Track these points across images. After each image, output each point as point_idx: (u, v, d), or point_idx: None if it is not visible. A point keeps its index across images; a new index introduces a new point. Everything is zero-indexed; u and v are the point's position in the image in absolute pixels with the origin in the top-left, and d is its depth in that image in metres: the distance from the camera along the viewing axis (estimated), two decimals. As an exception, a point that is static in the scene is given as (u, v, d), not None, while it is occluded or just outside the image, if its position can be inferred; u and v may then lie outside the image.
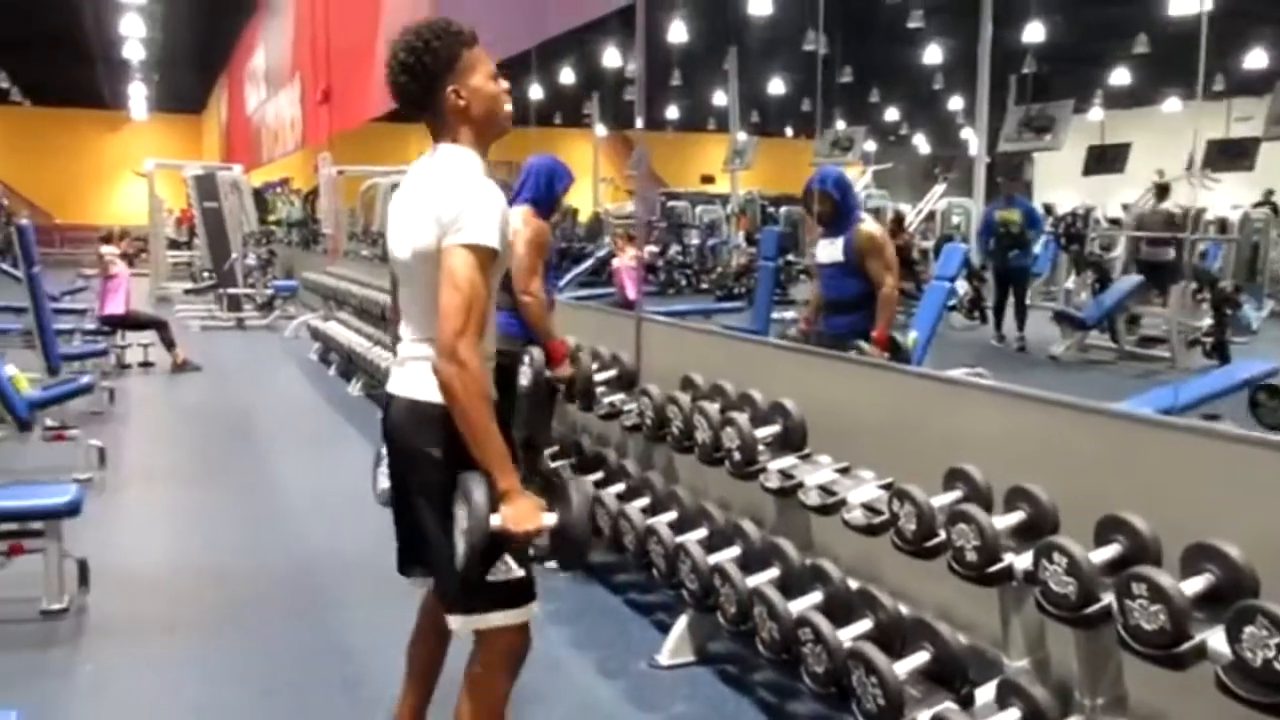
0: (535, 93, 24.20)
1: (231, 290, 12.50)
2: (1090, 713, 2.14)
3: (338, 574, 4.04)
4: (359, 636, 3.41)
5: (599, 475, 3.93)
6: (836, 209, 4.44)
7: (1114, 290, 10.80)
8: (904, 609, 2.56)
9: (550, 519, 2.00)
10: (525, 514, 1.95)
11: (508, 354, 3.87)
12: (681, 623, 3.18)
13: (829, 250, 4.51)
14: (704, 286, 16.06)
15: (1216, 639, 1.81)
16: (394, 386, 2.16)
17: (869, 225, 4.46)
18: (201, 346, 9.80)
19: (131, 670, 3.17)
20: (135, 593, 3.81)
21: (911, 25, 18.04)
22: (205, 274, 13.75)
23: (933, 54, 19.96)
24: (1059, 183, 22.41)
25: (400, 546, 2.27)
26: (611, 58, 20.18)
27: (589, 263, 14.44)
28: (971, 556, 2.29)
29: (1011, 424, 2.73)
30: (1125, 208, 15.55)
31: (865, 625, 2.52)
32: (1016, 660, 2.36)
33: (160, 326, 8.75)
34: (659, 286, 15.81)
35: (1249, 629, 1.71)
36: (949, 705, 2.23)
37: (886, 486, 2.75)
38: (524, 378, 3.82)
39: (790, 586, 2.83)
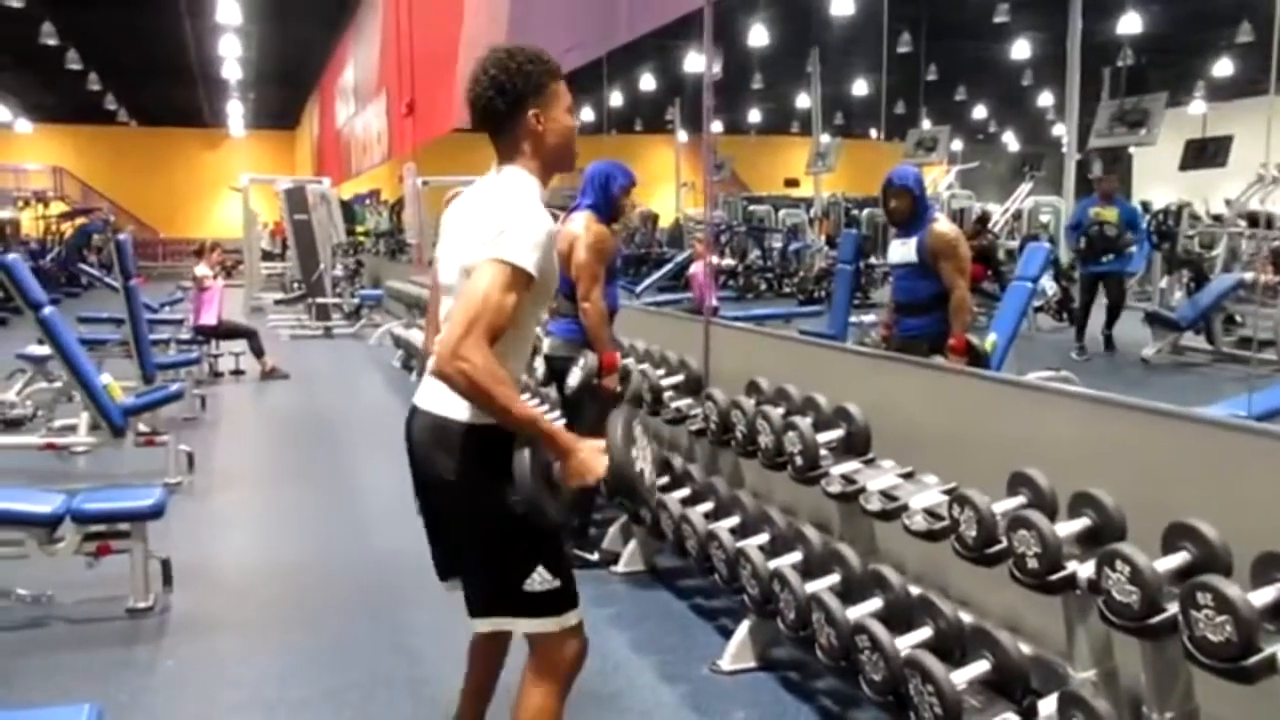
0: (614, 99, 24.45)
1: (320, 300, 12.85)
2: (1159, 726, 2.05)
3: (410, 575, 4.09)
4: (427, 639, 3.46)
5: (665, 480, 3.92)
6: (913, 207, 4.37)
7: (1210, 290, 10.38)
8: (966, 617, 2.50)
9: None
10: (588, 464, 2.00)
11: (564, 358, 3.92)
12: (743, 628, 3.15)
13: (902, 250, 4.44)
14: (786, 291, 15.92)
15: (1287, 652, 1.72)
16: (420, 399, 2.14)
17: (943, 225, 4.38)
18: (289, 355, 10.10)
19: (209, 667, 3.28)
20: (216, 592, 3.94)
21: (999, 20, 17.60)
22: (295, 284, 14.17)
23: (1021, 49, 19.48)
24: (1158, 179, 21.59)
25: (433, 555, 2.32)
26: (693, 62, 20.15)
27: (668, 267, 14.44)
28: (1033, 564, 2.22)
29: (1078, 427, 2.64)
30: (1228, 203, 14.93)
31: (925, 633, 2.47)
32: (1082, 671, 2.27)
33: (250, 336, 9.04)
34: (738, 291, 15.74)
35: None
36: (1009, 716, 2.17)
37: (949, 492, 2.68)
38: (573, 378, 3.83)
39: (851, 593, 2.79)
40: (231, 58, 19.40)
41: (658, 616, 3.59)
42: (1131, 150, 25.91)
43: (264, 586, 4.09)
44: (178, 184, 30.64)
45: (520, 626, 2.08)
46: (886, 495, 2.84)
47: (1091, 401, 2.69)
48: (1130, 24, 17.73)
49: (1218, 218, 15.42)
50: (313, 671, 3.25)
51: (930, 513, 2.68)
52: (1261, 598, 1.83)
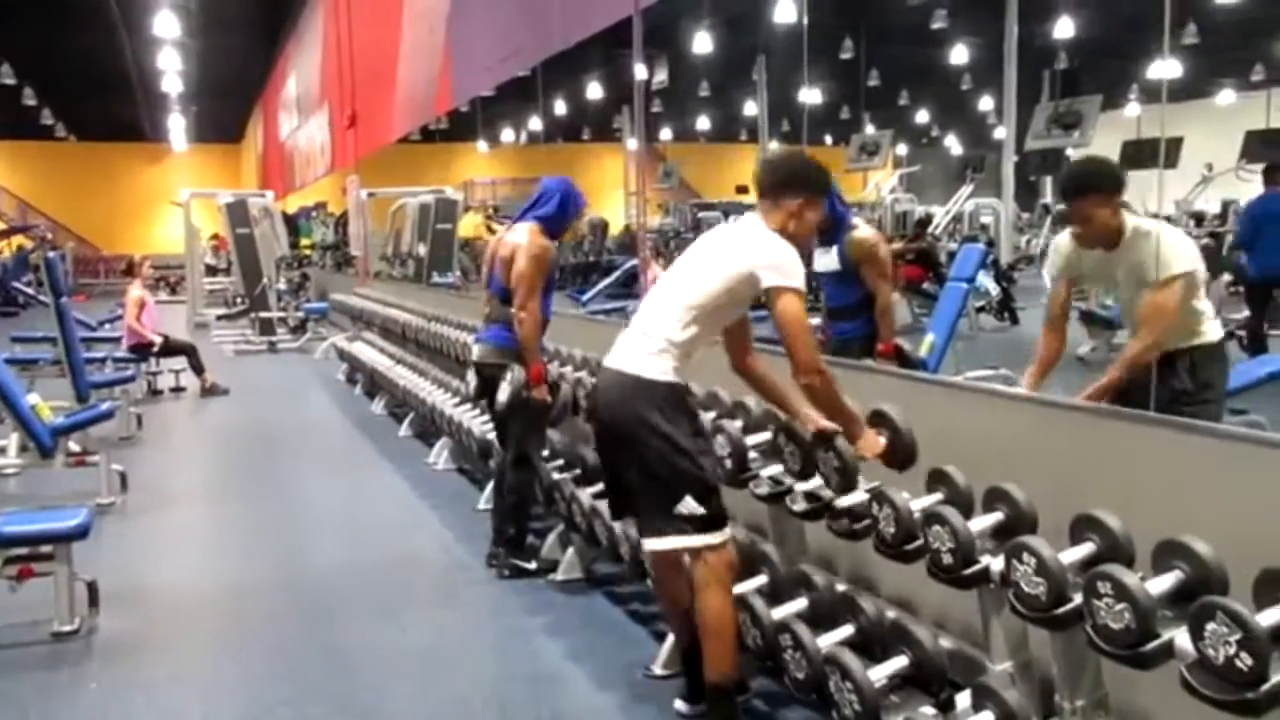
0: (561, 108, 24.41)
1: (263, 314, 12.69)
2: (1070, 715, 2.09)
3: (343, 593, 4.07)
4: (360, 653, 3.43)
5: (598, 488, 3.91)
6: (828, 219, 4.41)
7: (1146, 287, 10.59)
8: (892, 613, 2.53)
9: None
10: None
11: (494, 366, 3.91)
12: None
13: (825, 259, 4.48)
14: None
15: (1183, 637, 1.77)
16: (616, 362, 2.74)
17: (861, 231, 4.43)
18: (233, 370, 9.96)
19: (134, 691, 3.20)
20: (145, 614, 3.86)
21: (937, 26, 17.86)
22: (239, 299, 13.98)
23: (961, 54, 19.73)
24: None
25: (611, 498, 2.95)
26: (639, 71, 20.17)
27: (615, 275, 14.48)
28: (948, 559, 2.26)
29: (994, 423, 2.69)
30: (1177, 204, 15.30)
31: (847, 631, 2.49)
32: (999, 663, 2.31)
33: (189, 352, 8.90)
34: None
35: (1210, 625, 1.66)
36: (927, 710, 2.20)
37: (871, 491, 2.71)
38: (503, 393, 3.83)
39: (780, 593, 2.81)
40: (171, 71, 19.10)
41: (594, 624, 3.59)
42: (1069, 151, 26.51)
43: (194, 607, 4.03)
44: (119, 200, 30.10)
45: (683, 542, 2.63)
46: (812, 496, 2.86)
47: (999, 397, 2.74)
48: (1064, 28, 18.07)
49: (1168, 219, 15.80)
50: (242, 691, 3.20)
51: (854, 512, 2.70)
52: (1159, 585, 1.87)
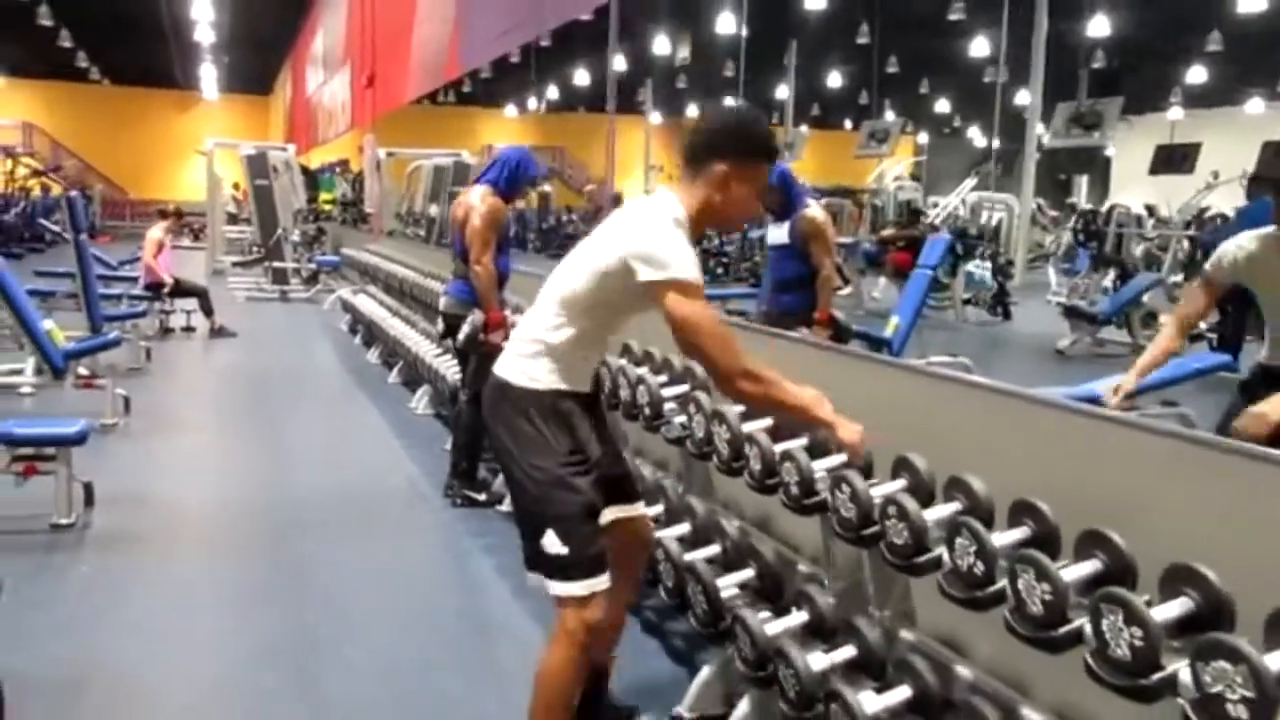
0: (583, 79, 24.66)
1: (278, 264, 13.17)
2: (878, 621, 2.50)
3: (315, 514, 4.53)
4: (322, 564, 3.91)
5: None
6: (783, 199, 4.81)
7: (1129, 286, 10.91)
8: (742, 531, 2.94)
9: None
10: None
11: (456, 315, 4.35)
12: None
13: (777, 234, 4.88)
14: (741, 275, 16.37)
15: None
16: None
17: (812, 210, 4.82)
18: (242, 316, 10.46)
19: (120, 573, 3.69)
20: (135, 516, 4.34)
21: (955, 17, 18.01)
22: (255, 248, 14.47)
23: (980, 47, 19.78)
24: (1137, 182, 22.09)
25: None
26: (660, 45, 20.41)
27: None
28: (795, 491, 2.66)
29: (902, 396, 2.92)
30: (1178, 210, 15.51)
31: (714, 550, 2.91)
32: (836, 581, 2.72)
33: (200, 295, 9.40)
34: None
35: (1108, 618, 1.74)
36: (766, 613, 2.62)
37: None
38: (462, 333, 4.28)
39: (697, 540, 3.21)
40: (204, 21, 19.55)
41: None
42: (1109, 154, 26.57)
43: (180, 515, 4.50)
44: (148, 145, 30.68)
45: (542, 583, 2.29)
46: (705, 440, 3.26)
47: (896, 369, 3.11)
48: (1100, 27, 18.12)
49: (1164, 220, 16.02)
50: (216, 583, 3.69)
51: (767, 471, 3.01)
52: (1006, 538, 2.11)
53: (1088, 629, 1.82)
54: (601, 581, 2.22)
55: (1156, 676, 1.68)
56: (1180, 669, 1.64)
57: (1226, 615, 1.72)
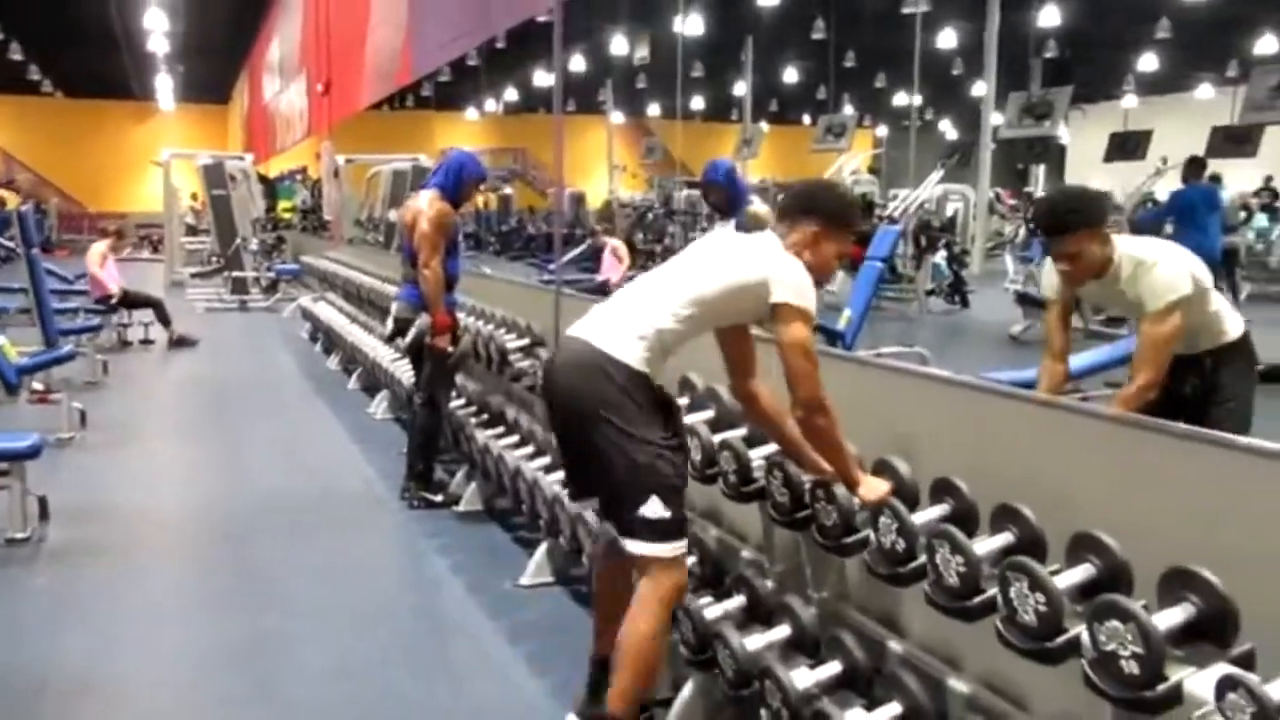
0: (542, 80, 24.63)
1: (237, 274, 13.11)
2: (814, 601, 2.58)
3: (272, 518, 4.55)
4: (279, 566, 3.94)
5: (500, 430, 4.40)
6: (727, 197, 4.91)
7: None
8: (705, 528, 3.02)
9: None
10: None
11: (406, 319, 4.40)
12: (541, 549, 3.66)
13: (724, 231, 4.96)
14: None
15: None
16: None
17: (755, 206, 4.92)
18: (202, 327, 10.40)
19: (76, 585, 3.70)
20: (90, 528, 4.34)
21: (907, 11, 18.13)
22: (214, 258, 14.39)
23: (948, 39, 19.89)
24: (1092, 169, 22.42)
25: (571, 479, 2.68)
26: (618, 45, 20.44)
27: (577, 250, 14.93)
28: (733, 479, 2.74)
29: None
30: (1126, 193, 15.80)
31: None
32: (777, 565, 2.81)
33: (154, 305, 9.36)
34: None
35: (1013, 587, 1.82)
36: (707, 597, 2.70)
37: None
38: (409, 337, 4.34)
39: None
40: (158, 30, 19.37)
41: (481, 547, 4.09)
42: (1063, 140, 26.97)
43: (136, 525, 4.50)
44: (105, 157, 30.28)
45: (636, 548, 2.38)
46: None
47: (833, 359, 3.18)
48: (1050, 17, 18.33)
49: (1118, 207, 16.30)
50: (173, 589, 3.71)
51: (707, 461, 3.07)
52: (927, 515, 2.21)
53: (1000, 598, 1.92)
54: (685, 544, 2.44)
55: (1060, 639, 1.77)
56: (1081, 631, 1.73)
57: (1125, 579, 1.81)
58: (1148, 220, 10.89)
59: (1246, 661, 1.60)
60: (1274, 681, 1.47)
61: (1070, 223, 2.94)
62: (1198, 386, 3.05)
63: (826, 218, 2.53)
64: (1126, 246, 2.97)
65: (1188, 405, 2.96)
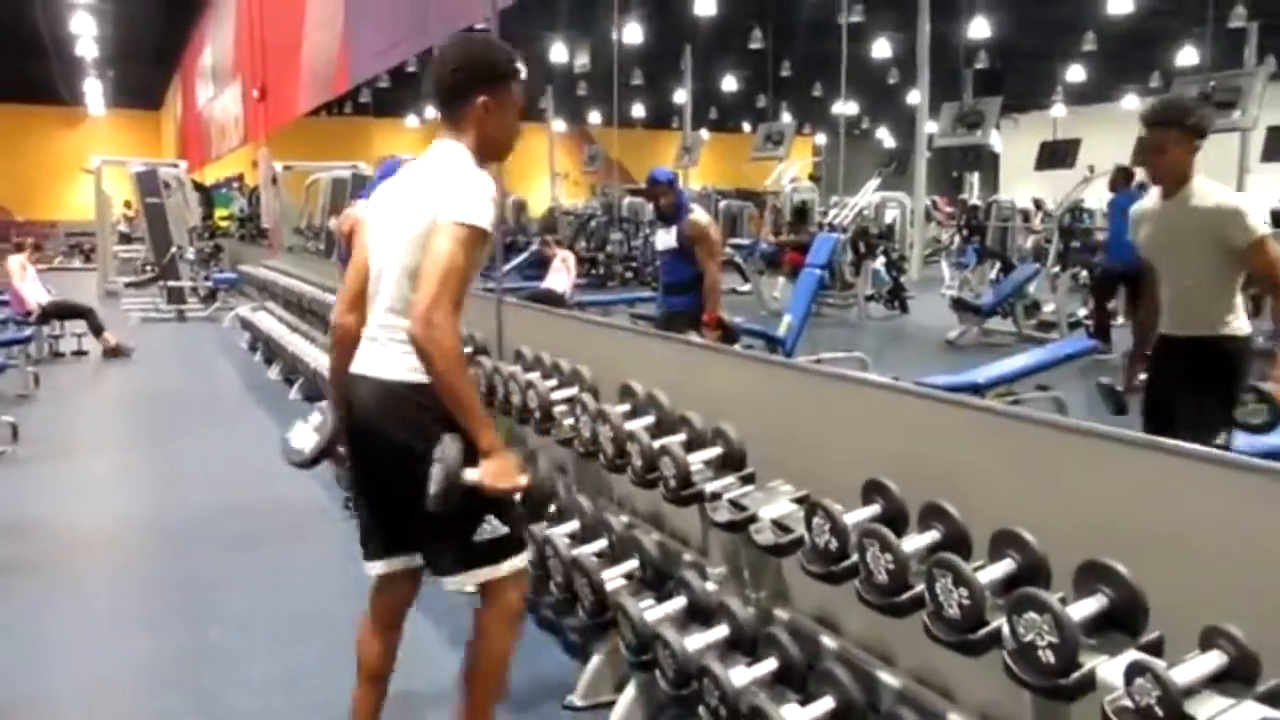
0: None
1: (173, 283, 12.88)
2: (755, 602, 2.65)
3: (210, 529, 4.52)
4: (217, 576, 3.91)
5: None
6: (674, 201, 4.98)
7: (1011, 278, 11.37)
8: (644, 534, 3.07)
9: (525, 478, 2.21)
10: (504, 470, 2.10)
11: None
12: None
13: (665, 238, 5.04)
14: (647, 279, 16.53)
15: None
16: (362, 366, 2.22)
17: (697, 214, 5.00)
18: (138, 337, 10.21)
19: (9, 602, 3.64)
20: (25, 543, 4.28)
21: (842, 21, 18.40)
22: (149, 268, 14.12)
23: (883, 49, 20.25)
24: (1022, 178, 22.90)
25: (373, 532, 2.34)
26: (558, 53, 20.50)
27: (520, 258, 14.91)
28: (673, 484, 2.80)
29: (764, 391, 3.09)
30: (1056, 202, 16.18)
31: (601, 544, 3.03)
32: (716, 567, 2.87)
33: (85, 315, 9.17)
34: (598, 279, 16.33)
35: (940, 584, 1.88)
36: (650, 600, 2.74)
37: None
38: None
39: (561, 518, 3.34)
40: (87, 34, 18.96)
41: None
42: (998, 150, 27.62)
43: (70, 538, 4.44)
44: (33, 164, 29.48)
45: (480, 575, 2.20)
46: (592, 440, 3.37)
47: (754, 362, 3.28)
48: (980, 29, 18.75)
49: (1049, 214, 16.71)
50: (108, 604, 3.66)
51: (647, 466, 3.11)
52: (856, 516, 2.26)
53: (928, 594, 2.00)
54: (526, 558, 2.30)
55: (983, 632, 1.85)
56: (1002, 624, 1.82)
57: (1043, 573, 1.90)
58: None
59: (1155, 648, 1.69)
60: (1178, 666, 1.56)
61: (1171, 118, 3.17)
62: (1214, 371, 3.17)
63: (487, 81, 2.22)
64: (1207, 180, 3.18)
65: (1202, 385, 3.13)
